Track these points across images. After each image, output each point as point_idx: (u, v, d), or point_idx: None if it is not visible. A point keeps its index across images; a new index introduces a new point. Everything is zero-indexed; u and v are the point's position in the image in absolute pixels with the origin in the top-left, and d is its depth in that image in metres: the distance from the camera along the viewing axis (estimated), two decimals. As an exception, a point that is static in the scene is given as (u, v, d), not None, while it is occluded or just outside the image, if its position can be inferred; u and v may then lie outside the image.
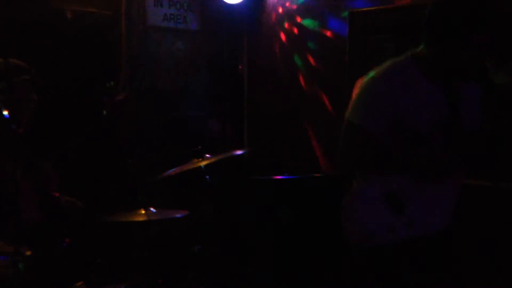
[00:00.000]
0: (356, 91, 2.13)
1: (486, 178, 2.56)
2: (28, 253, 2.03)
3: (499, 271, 2.74)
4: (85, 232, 2.55)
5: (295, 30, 4.06)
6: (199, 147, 2.83)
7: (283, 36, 4.13)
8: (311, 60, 3.99)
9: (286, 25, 4.10)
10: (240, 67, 4.32)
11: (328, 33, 3.88)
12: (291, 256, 3.35)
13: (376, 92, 2.01)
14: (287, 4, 4.08)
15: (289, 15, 4.08)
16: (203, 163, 2.89)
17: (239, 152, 3.14)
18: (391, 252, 2.03)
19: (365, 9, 3.67)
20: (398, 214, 2.03)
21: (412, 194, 2.03)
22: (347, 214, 2.14)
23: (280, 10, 4.14)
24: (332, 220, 2.26)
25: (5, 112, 2.11)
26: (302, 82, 4.03)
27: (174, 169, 2.92)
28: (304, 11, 3.99)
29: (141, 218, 2.83)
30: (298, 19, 4.04)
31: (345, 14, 3.73)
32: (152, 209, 2.92)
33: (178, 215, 2.94)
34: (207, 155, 3.09)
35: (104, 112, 3.44)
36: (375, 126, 1.98)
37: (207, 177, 2.98)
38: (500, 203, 2.64)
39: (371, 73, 2.07)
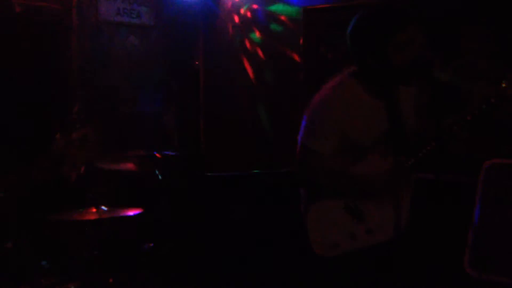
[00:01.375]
0: (310, 111, 2.16)
1: (429, 171, 2.65)
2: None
3: (445, 259, 2.82)
4: (29, 233, 2.49)
5: (250, 26, 4.06)
6: (147, 146, 2.81)
7: (238, 31, 4.12)
8: (268, 56, 4.00)
9: (242, 22, 4.10)
10: (196, 62, 4.29)
11: (282, 31, 3.90)
12: (246, 252, 3.36)
13: (327, 116, 2.09)
14: (241, 10, 4.09)
15: (245, 16, 4.08)
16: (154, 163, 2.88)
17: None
18: (354, 258, 2.13)
19: (319, 6, 3.70)
20: (359, 222, 2.12)
21: (370, 203, 2.13)
22: (311, 225, 2.19)
23: (236, 8, 4.13)
24: (287, 216, 2.29)
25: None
26: (259, 78, 4.04)
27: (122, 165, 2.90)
28: (259, 10, 4.01)
29: (92, 217, 2.79)
30: (252, 15, 4.05)
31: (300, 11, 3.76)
32: (103, 207, 2.88)
33: (130, 213, 2.92)
34: (158, 153, 3.08)
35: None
36: (328, 148, 2.09)
37: (159, 175, 2.96)
38: (442, 195, 2.73)
39: (324, 93, 2.14)
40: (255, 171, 3.64)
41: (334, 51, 3.65)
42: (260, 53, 4.02)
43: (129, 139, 3.81)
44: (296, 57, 3.82)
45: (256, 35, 4.04)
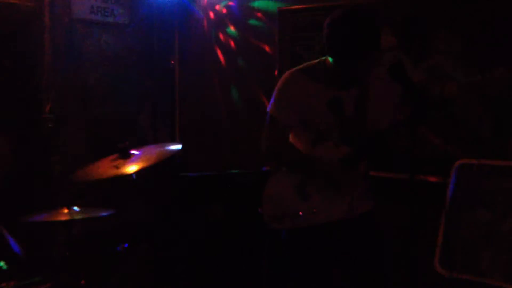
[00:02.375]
0: (278, 85, 2.38)
1: (404, 172, 2.70)
2: None
3: (416, 258, 2.86)
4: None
5: (226, 24, 4.06)
6: (126, 142, 2.78)
7: (215, 32, 4.11)
8: (245, 53, 4.00)
9: (218, 19, 4.09)
10: (172, 62, 4.27)
11: (258, 31, 3.91)
12: (221, 252, 3.35)
13: (288, 89, 2.31)
14: (217, 6, 4.08)
15: (220, 14, 4.07)
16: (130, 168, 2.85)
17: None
18: (300, 234, 2.31)
19: (294, 7, 3.71)
20: (305, 202, 2.29)
21: (318, 186, 2.30)
22: (266, 200, 2.39)
23: (211, 6, 4.12)
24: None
25: None
26: (235, 75, 4.03)
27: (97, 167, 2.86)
28: (233, 10, 4.01)
29: (63, 218, 2.75)
30: (228, 14, 4.04)
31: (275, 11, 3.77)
32: (75, 207, 2.85)
33: (103, 214, 2.89)
34: (134, 152, 3.05)
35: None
36: (288, 120, 2.30)
37: (133, 175, 2.93)
38: (416, 195, 2.78)
39: (292, 71, 2.35)
40: (232, 171, 3.63)
41: (308, 51, 3.67)
42: (237, 50, 4.02)
43: (103, 138, 3.77)
44: (273, 54, 3.82)
45: (233, 32, 4.03)
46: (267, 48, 3.86)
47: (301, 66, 2.36)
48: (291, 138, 2.37)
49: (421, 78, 3.08)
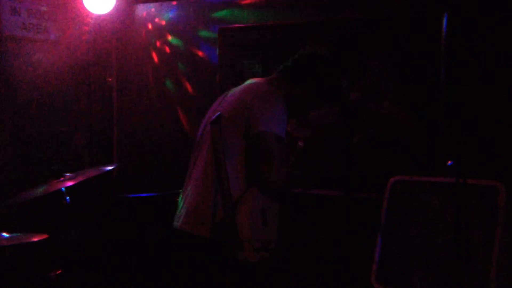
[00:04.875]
0: (264, 102, 2.17)
1: (340, 189, 2.75)
2: None
3: (354, 273, 2.91)
4: None
5: (165, 44, 4.02)
6: (56, 167, 2.68)
7: (152, 48, 4.06)
8: (186, 69, 3.96)
9: (155, 37, 4.05)
10: (110, 79, 4.17)
11: (198, 51, 3.89)
12: (161, 275, 3.28)
13: (281, 105, 2.16)
14: (156, 19, 4.03)
15: (159, 27, 4.03)
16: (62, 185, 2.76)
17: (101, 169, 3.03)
18: (262, 265, 2.18)
19: (234, 26, 3.73)
20: (264, 226, 2.14)
21: (274, 211, 2.19)
22: (242, 231, 2.11)
23: (150, 24, 4.07)
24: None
25: None
26: (177, 92, 3.98)
27: (30, 192, 2.75)
28: (173, 24, 3.97)
29: (-10, 245, 2.61)
30: (167, 34, 4.01)
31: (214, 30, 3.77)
32: (4, 234, 2.72)
33: (34, 239, 2.76)
34: (67, 174, 2.95)
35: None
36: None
37: (68, 198, 2.83)
38: (351, 211, 2.83)
39: (263, 87, 2.24)
40: (173, 191, 3.57)
41: (249, 69, 3.69)
42: (178, 65, 3.97)
43: (37, 160, 3.63)
44: (214, 70, 3.80)
45: (173, 47, 3.99)
46: (207, 64, 3.85)
47: (264, 81, 2.30)
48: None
49: (357, 97, 3.16)
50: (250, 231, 2.10)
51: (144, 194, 3.44)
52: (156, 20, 4.04)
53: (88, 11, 3.79)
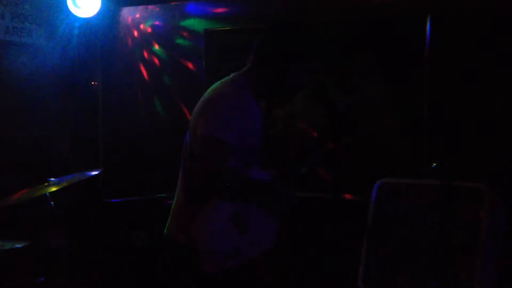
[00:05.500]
0: (208, 106, 2.06)
1: (328, 192, 2.76)
2: None
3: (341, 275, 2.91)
4: None
5: (152, 46, 4.00)
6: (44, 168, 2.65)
7: (139, 51, 4.04)
8: (171, 73, 3.95)
9: (143, 38, 4.03)
10: (95, 83, 4.15)
11: (189, 47, 3.89)
12: (148, 279, 3.26)
13: (232, 106, 2.00)
14: (141, 26, 4.02)
15: (145, 33, 4.02)
16: (47, 190, 2.73)
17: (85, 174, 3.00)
18: (238, 273, 2.05)
19: (220, 28, 3.73)
20: (242, 234, 2.05)
21: (254, 212, 2.07)
22: (200, 241, 2.03)
23: (135, 31, 4.06)
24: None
25: None
26: (162, 96, 3.97)
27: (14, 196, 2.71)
28: (161, 26, 3.97)
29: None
30: (152, 39, 4.00)
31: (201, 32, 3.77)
32: (-13, 240, 2.68)
33: (17, 245, 2.74)
34: (52, 179, 2.92)
35: None
36: (233, 140, 1.97)
37: (52, 203, 2.81)
38: (339, 213, 2.84)
39: (216, 89, 2.09)
40: (159, 194, 3.55)
41: (234, 71, 3.69)
42: (162, 69, 3.96)
43: (22, 165, 3.59)
44: (199, 73, 3.80)
45: (158, 50, 3.98)
46: (193, 67, 3.84)
47: (227, 83, 2.09)
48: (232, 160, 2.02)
49: (343, 99, 3.17)
50: (215, 242, 2.03)
51: (128, 198, 3.42)
52: (141, 26, 4.03)
53: (73, 14, 3.76)
